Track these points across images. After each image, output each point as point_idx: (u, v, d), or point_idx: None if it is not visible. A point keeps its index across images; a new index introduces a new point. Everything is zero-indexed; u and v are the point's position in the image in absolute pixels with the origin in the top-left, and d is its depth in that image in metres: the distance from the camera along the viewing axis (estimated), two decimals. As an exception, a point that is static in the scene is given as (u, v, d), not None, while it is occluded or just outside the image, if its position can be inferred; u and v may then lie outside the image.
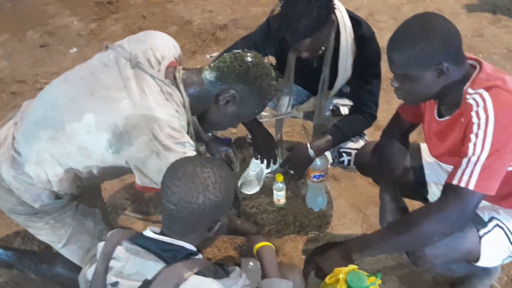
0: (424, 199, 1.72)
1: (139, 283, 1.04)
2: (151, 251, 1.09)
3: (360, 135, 2.11)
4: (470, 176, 1.21)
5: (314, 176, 2.01)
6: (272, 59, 2.02)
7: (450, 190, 1.25)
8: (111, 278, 1.06)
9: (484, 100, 1.22)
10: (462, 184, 1.22)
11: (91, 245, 1.55)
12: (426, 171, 1.67)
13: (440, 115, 1.41)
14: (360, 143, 2.10)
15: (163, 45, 1.47)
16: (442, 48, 1.22)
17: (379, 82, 1.87)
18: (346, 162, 2.16)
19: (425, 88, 1.29)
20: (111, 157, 1.33)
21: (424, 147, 1.70)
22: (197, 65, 3.20)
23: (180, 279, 1.02)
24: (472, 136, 1.21)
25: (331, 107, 2.02)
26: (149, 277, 1.03)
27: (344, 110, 2.01)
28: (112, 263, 1.08)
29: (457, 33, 1.25)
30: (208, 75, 1.40)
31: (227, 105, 1.42)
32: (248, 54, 1.41)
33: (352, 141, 2.11)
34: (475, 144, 1.21)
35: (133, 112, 1.28)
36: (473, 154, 1.21)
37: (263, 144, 1.96)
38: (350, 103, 2.02)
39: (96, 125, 1.31)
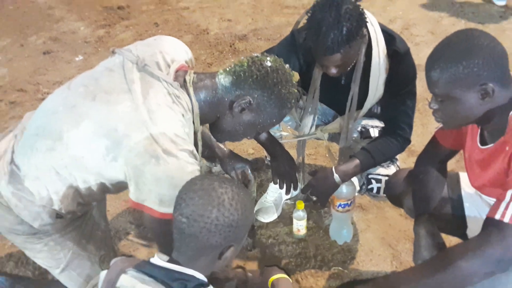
0: (462, 234, 1.72)
1: None
2: (159, 280, 1.11)
3: (392, 160, 2.13)
4: None
5: (339, 205, 2.02)
6: (296, 75, 2.07)
7: (492, 225, 1.26)
8: None
9: None
10: (506, 220, 1.23)
11: (91, 272, 1.58)
12: (466, 204, 1.68)
13: (483, 142, 1.43)
14: (391, 169, 2.12)
15: (173, 49, 1.53)
16: (488, 68, 1.24)
17: (414, 102, 1.90)
18: (375, 190, 2.18)
19: (468, 111, 1.31)
20: (108, 166, 1.36)
21: (463, 177, 1.71)
22: (213, 78, 3.28)
23: None
24: None
25: (359, 129, 2.05)
26: None
27: (374, 132, 2.04)
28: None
29: (504, 52, 1.28)
30: (222, 79, 1.43)
31: (242, 112, 1.44)
32: (268, 58, 1.44)
33: (382, 166, 2.13)
34: None
35: (134, 115, 1.33)
36: None
37: (283, 167, 1.99)
38: (380, 124, 2.05)
39: (93, 133, 1.35)
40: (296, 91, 1.48)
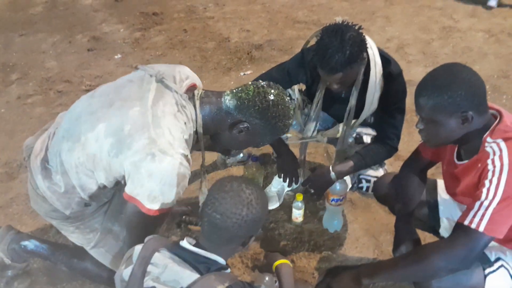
0: (435, 232, 1.76)
1: None
2: (187, 261, 1.15)
3: (381, 164, 2.16)
4: (481, 219, 1.26)
5: (333, 200, 2.06)
6: (302, 86, 2.10)
7: (461, 229, 1.30)
8: (148, 282, 1.13)
9: (500, 149, 1.27)
10: (473, 226, 1.27)
11: (118, 249, 1.61)
12: (441, 207, 1.71)
13: (459, 158, 1.46)
14: (379, 172, 2.15)
15: (189, 72, 1.55)
16: (468, 98, 1.27)
17: (402, 117, 1.93)
18: (364, 189, 2.22)
19: (448, 133, 1.34)
20: (112, 162, 1.36)
21: (440, 183, 1.74)
22: (231, 81, 3.30)
23: None
24: (486, 182, 1.27)
25: (354, 135, 2.08)
26: (184, 285, 1.10)
27: (367, 139, 2.06)
28: (150, 268, 1.15)
29: (482, 85, 1.31)
30: (228, 101, 1.43)
31: (239, 134, 1.45)
32: (272, 90, 1.42)
33: (372, 169, 2.17)
34: (488, 190, 1.26)
35: (140, 118, 1.33)
36: (486, 198, 1.26)
37: (287, 165, 2.03)
38: (373, 132, 2.08)
39: (104, 133, 1.36)
40: (290, 122, 1.48)
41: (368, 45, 1.75)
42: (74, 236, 1.62)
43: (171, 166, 1.31)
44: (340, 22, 1.71)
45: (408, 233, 1.57)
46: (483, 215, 1.25)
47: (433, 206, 1.72)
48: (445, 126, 1.32)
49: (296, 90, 2.08)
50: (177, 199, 1.38)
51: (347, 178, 2.13)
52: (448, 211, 1.68)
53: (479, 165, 1.32)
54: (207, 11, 4.42)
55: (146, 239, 1.23)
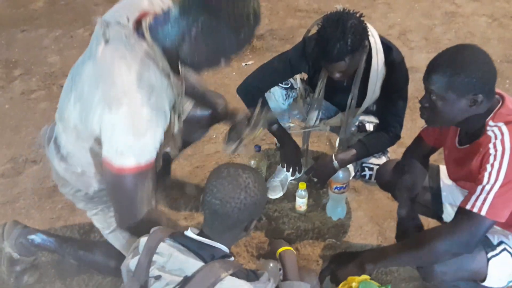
0: (438, 217, 1.77)
1: (180, 278, 1.12)
2: (191, 250, 1.17)
3: (383, 152, 2.17)
4: (483, 203, 1.27)
5: (336, 188, 2.07)
6: (305, 75, 2.10)
7: (463, 214, 1.31)
8: (154, 271, 1.15)
9: (502, 133, 1.28)
10: (475, 210, 1.28)
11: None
12: (443, 193, 1.72)
13: (461, 143, 1.46)
14: (382, 159, 2.16)
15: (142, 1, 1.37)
16: (483, 82, 1.27)
17: (405, 104, 1.93)
18: (367, 176, 2.23)
19: (454, 113, 1.33)
20: (86, 128, 1.30)
21: (443, 169, 1.75)
22: (233, 72, 3.30)
23: (217, 279, 1.09)
24: (488, 166, 1.27)
25: (357, 123, 2.08)
26: (189, 274, 1.11)
27: (370, 127, 2.07)
28: (155, 257, 1.16)
29: (495, 71, 1.31)
30: (173, 11, 1.24)
31: (196, 41, 1.23)
32: None
33: (375, 157, 2.17)
34: (490, 174, 1.27)
35: (93, 73, 1.26)
36: (488, 182, 1.27)
37: (289, 154, 2.04)
38: (375, 120, 2.08)
39: (73, 101, 1.33)
40: (256, 7, 1.23)
41: (369, 33, 1.75)
42: (97, 219, 1.62)
43: (131, 113, 1.20)
44: (341, 10, 1.71)
45: (411, 220, 1.58)
46: (485, 199, 1.26)
47: (436, 192, 1.73)
48: (453, 105, 1.31)
49: (298, 80, 2.09)
50: (154, 150, 1.26)
51: (350, 166, 2.13)
52: (451, 197, 1.69)
53: (481, 149, 1.33)
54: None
55: (151, 230, 1.25)
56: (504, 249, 1.40)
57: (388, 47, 1.82)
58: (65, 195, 1.64)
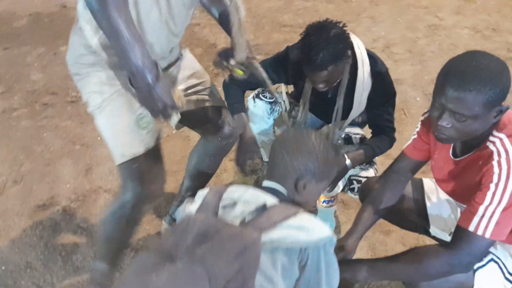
0: (426, 232, 1.72)
1: (256, 205, 1.09)
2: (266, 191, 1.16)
3: (371, 163, 2.14)
4: (487, 225, 1.20)
5: (324, 201, 2.04)
6: (290, 88, 2.09)
7: (465, 235, 1.23)
8: (226, 201, 1.13)
9: (506, 150, 1.21)
10: (479, 232, 1.21)
11: (128, 122, 1.50)
12: (427, 204, 1.67)
13: (455, 154, 1.39)
14: (370, 172, 2.13)
15: None
16: (507, 89, 1.18)
17: (394, 111, 1.96)
18: (356, 190, 2.19)
19: (482, 127, 1.22)
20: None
21: (426, 181, 1.70)
22: (219, 87, 3.28)
23: (294, 213, 1.08)
24: (492, 186, 1.20)
25: (343, 135, 2.06)
26: (268, 203, 1.10)
27: (356, 140, 2.06)
28: (226, 195, 1.14)
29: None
30: None
31: None
32: None
33: (362, 169, 2.15)
34: (493, 194, 1.20)
35: None
36: (490, 203, 1.20)
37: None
38: (361, 132, 2.07)
39: None
40: None
41: (355, 45, 1.75)
42: (89, 90, 1.53)
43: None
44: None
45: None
46: (489, 221, 1.20)
47: (421, 205, 1.68)
48: (483, 120, 1.18)
49: (283, 93, 2.07)
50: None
51: (338, 180, 2.10)
52: (437, 208, 1.65)
53: (480, 162, 1.26)
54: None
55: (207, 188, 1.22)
56: (492, 259, 1.35)
57: (373, 59, 1.82)
58: (68, 61, 1.59)
